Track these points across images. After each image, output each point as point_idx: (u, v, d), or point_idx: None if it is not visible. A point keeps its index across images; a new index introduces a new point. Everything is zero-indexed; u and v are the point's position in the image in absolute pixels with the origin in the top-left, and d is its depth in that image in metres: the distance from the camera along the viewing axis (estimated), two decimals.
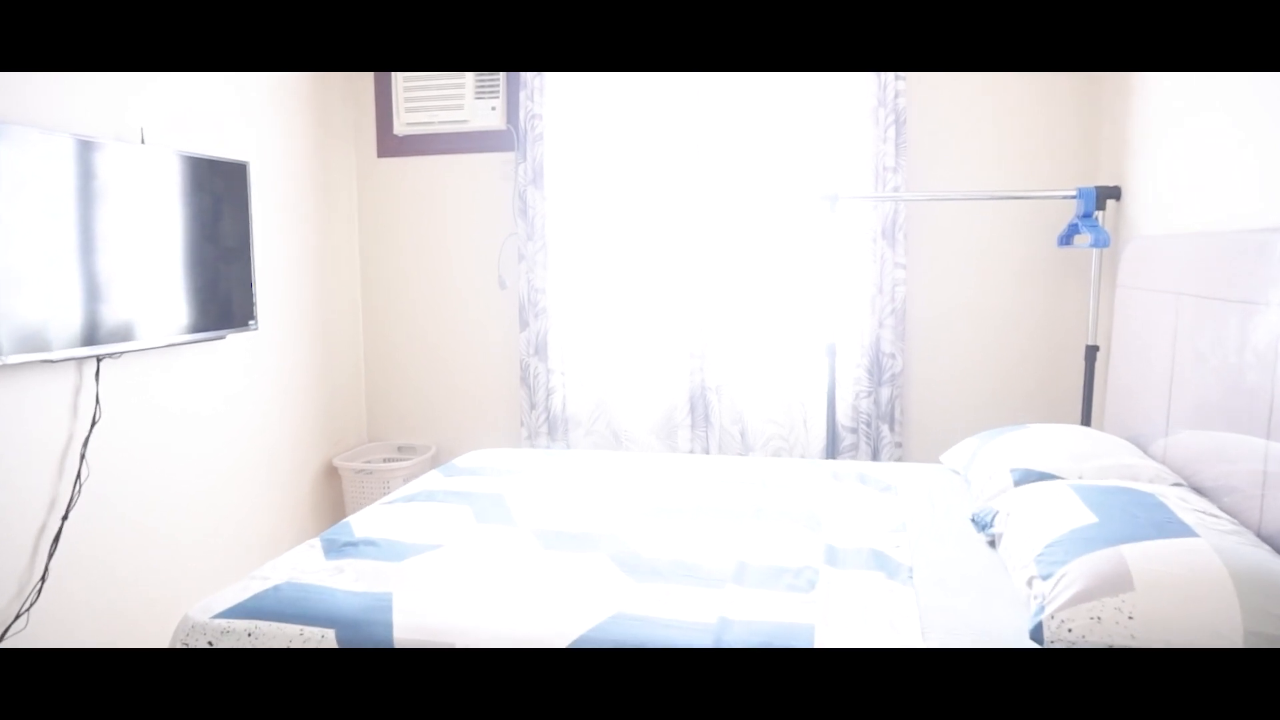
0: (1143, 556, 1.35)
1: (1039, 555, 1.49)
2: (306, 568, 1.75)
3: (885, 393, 3.12)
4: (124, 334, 2.34)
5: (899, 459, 3.15)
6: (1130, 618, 1.28)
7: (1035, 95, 3.00)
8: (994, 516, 1.82)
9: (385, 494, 3.31)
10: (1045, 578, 1.42)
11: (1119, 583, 1.31)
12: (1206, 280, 1.88)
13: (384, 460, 3.61)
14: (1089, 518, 1.52)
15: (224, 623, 1.53)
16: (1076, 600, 1.32)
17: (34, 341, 2.08)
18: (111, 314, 2.30)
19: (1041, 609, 1.37)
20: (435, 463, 3.58)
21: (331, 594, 1.61)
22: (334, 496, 3.50)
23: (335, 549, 1.86)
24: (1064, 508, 1.61)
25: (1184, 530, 1.43)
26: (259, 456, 3.06)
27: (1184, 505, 1.58)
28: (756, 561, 1.76)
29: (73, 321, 2.19)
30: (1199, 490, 1.85)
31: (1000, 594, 1.59)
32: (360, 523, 2.03)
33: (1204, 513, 1.57)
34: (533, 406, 3.41)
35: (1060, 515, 1.58)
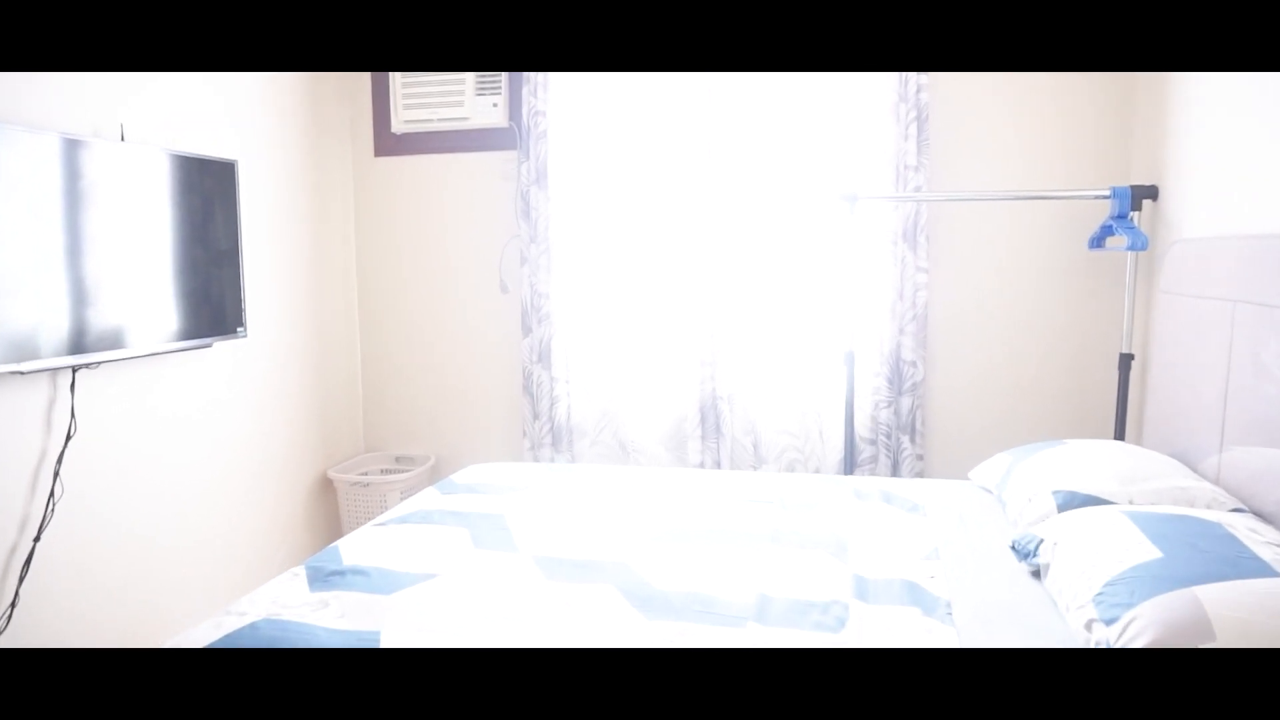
0: (1221, 600, 1.20)
1: (1098, 595, 1.34)
2: (288, 601, 1.60)
3: (906, 403, 2.97)
4: (107, 342, 2.20)
5: (920, 473, 3.00)
6: None
7: (1064, 89, 2.84)
8: (1038, 545, 1.66)
9: (382, 506, 3.18)
10: (1109, 622, 1.27)
11: (1197, 631, 1.16)
12: (1269, 286, 1.72)
13: (381, 471, 3.47)
14: (1152, 552, 1.37)
15: None
16: None
17: (22, 350, 1.96)
18: (96, 320, 2.17)
19: None
20: (434, 474, 3.44)
21: (313, 632, 1.46)
22: (329, 509, 3.35)
23: (321, 579, 1.71)
24: (1121, 539, 1.45)
25: (1262, 568, 1.28)
26: (249, 470, 2.92)
27: (1255, 537, 1.43)
28: (779, 594, 1.61)
29: (57, 329, 2.07)
30: (1261, 515, 1.70)
31: (1051, 634, 1.44)
32: (349, 548, 1.88)
33: (1279, 545, 1.42)
34: (536, 416, 3.26)
35: (1118, 548, 1.43)
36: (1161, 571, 1.30)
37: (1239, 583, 1.24)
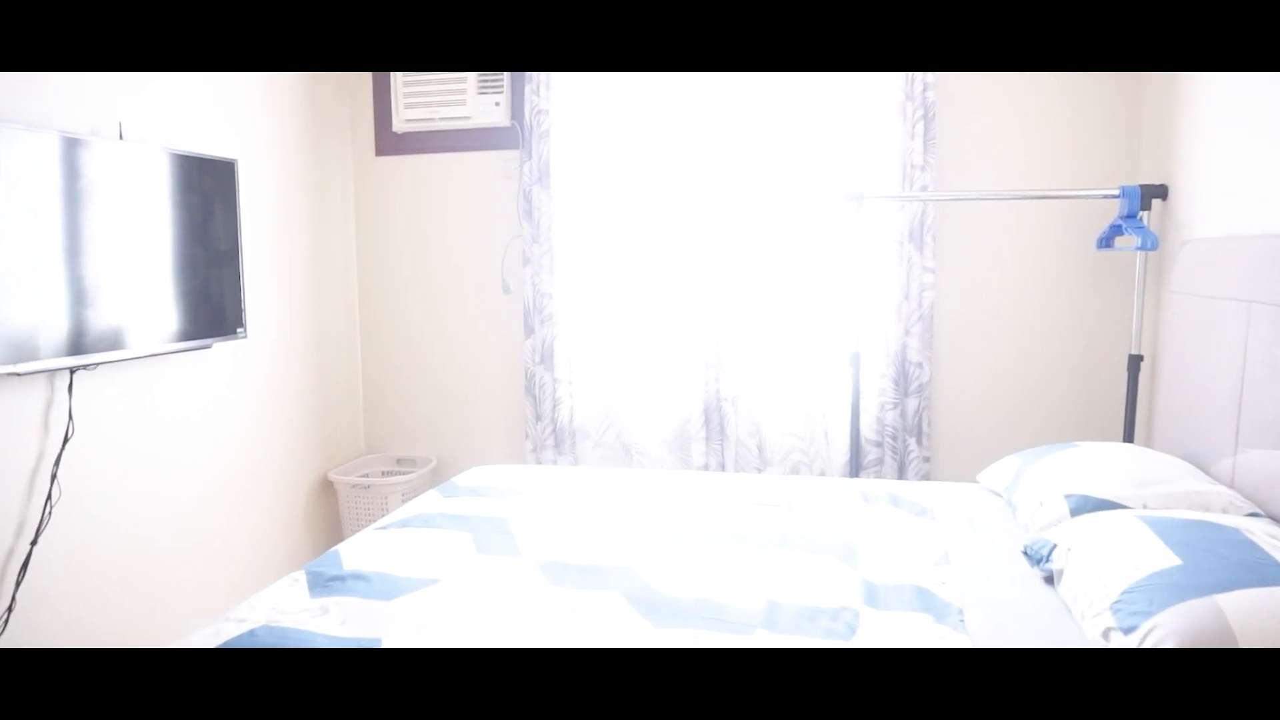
0: (1242, 609, 1.17)
1: (1115, 603, 1.31)
2: (288, 607, 1.57)
3: (912, 404, 2.94)
4: (106, 343, 2.18)
5: (926, 475, 2.97)
6: None
7: (1072, 88, 2.81)
8: (1051, 550, 1.63)
9: (383, 509, 3.15)
10: (1127, 631, 1.24)
11: (1220, 640, 1.13)
12: None
13: (382, 474, 3.44)
14: (1171, 558, 1.34)
15: None
16: None
17: (19, 351, 1.94)
18: (95, 321, 2.15)
19: None
20: (436, 476, 3.41)
21: (313, 639, 1.43)
22: (329, 512, 3.33)
23: (321, 584, 1.68)
24: (1139, 545, 1.42)
25: None
26: (249, 471, 2.89)
27: (1275, 543, 1.40)
28: (788, 600, 1.58)
29: (55, 329, 2.04)
30: (1278, 520, 1.67)
31: (1067, 642, 1.41)
32: (350, 553, 1.86)
33: None
34: (538, 418, 3.23)
35: (1136, 554, 1.40)
36: (1181, 579, 1.27)
37: (1261, 590, 1.21)
